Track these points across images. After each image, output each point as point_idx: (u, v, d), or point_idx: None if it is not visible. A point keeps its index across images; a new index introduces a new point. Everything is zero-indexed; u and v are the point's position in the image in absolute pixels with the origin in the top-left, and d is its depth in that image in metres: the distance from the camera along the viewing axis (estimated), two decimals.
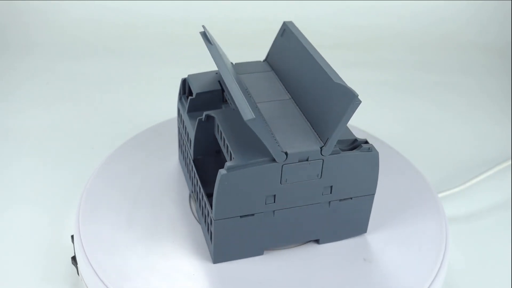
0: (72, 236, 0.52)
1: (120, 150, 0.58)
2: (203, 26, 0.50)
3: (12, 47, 0.96)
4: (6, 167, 0.69)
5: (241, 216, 0.43)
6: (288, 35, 0.50)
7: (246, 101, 0.40)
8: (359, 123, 0.65)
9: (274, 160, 0.41)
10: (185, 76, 0.53)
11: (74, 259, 0.51)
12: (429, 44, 1.06)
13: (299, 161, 0.42)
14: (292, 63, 0.49)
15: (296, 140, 0.42)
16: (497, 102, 0.90)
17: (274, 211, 0.44)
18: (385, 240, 0.49)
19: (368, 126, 0.70)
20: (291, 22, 0.51)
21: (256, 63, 0.53)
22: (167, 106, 0.78)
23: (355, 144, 0.44)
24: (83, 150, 0.72)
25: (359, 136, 0.62)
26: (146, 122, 0.68)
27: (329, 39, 1.04)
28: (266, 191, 0.43)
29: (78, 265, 0.49)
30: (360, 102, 0.40)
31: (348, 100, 0.40)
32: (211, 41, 0.48)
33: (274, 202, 0.44)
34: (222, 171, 0.41)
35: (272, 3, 1.07)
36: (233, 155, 0.42)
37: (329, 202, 0.45)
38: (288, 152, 0.41)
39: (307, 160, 0.42)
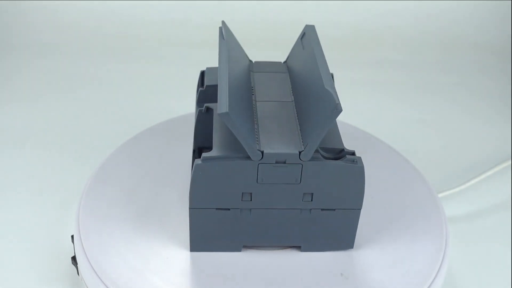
0: (72, 236, 0.52)
1: (120, 150, 0.58)
2: (222, 22, 0.50)
3: (13, 47, 0.96)
4: (6, 167, 0.69)
5: (217, 209, 0.44)
6: (305, 39, 0.50)
7: (227, 95, 0.40)
8: (359, 123, 0.65)
9: (250, 158, 0.41)
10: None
11: (74, 259, 0.51)
12: (429, 44, 1.06)
13: (276, 162, 0.41)
14: (301, 66, 0.50)
15: (279, 141, 0.42)
16: (497, 102, 0.90)
17: (251, 209, 0.44)
18: (385, 241, 0.49)
19: (368, 126, 0.70)
20: (311, 26, 0.51)
21: (275, 63, 0.54)
22: (167, 106, 0.78)
23: (341, 154, 0.43)
24: (83, 150, 0.72)
25: (359, 136, 0.62)
26: (146, 122, 0.68)
27: (329, 39, 1.04)
28: (242, 188, 0.43)
29: (78, 265, 0.49)
30: (340, 111, 0.39)
31: (330, 107, 0.39)
32: (224, 36, 0.48)
33: (251, 200, 0.44)
34: (197, 161, 0.41)
35: (272, 3, 1.07)
36: (213, 147, 0.43)
37: (310, 210, 0.44)
38: (265, 151, 0.41)
39: (284, 162, 0.41)
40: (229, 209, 0.44)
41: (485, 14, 1.10)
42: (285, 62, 0.54)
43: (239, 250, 0.47)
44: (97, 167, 0.56)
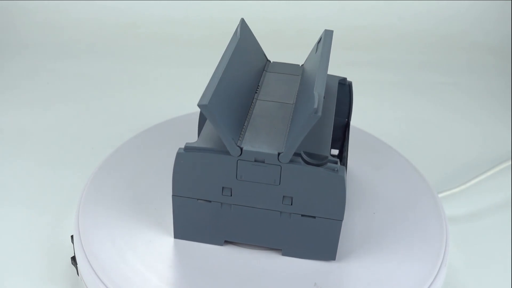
0: (72, 236, 0.52)
1: (120, 150, 0.58)
2: (242, 19, 0.51)
3: (12, 47, 0.96)
4: (6, 167, 0.69)
5: (198, 199, 0.45)
6: (320, 43, 0.50)
7: (213, 89, 0.41)
8: (359, 123, 0.65)
9: (229, 153, 0.42)
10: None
11: (74, 259, 0.51)
12: (429, 44, 1.06)
13: (255, 161, 0.42)
14: (308, 70, 0.50)
15: (263, 141, 0.42)
16: (497, 102, 0.90)
17: (231, 204, 0.44)
18: (382, 241, 0.49)
19: (368, 126, 0.70)
20: (330, 31, 0.50)
21: (292, 65, 0.54)
22: (167, 106, 0.78)
23: (324, 161, 0.42)
24: (83, 150, 0.72)
25: (359, 136, 0.62)
26: (146, 122, 0.68)
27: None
28: (222, 182, 0.43)
29: (78, 265, 0.49)
30: (318, 116, 0.39)
31: (309, 112, 0.39)
32: (238, 33, 0.49)
33: (231, 195, 0.44)
34: (180, 149, 0.43)
35: (272, 3, 1.07)
36: (198, 138, 0.44)
37: (290, 214, 0.44)
38: (244, 148, 0.41)
39: (263, 162, 0.42)
40: (210, 202, 0.45)
41: (485, 14, 1.10)
42: (302, 65, 0.54)
43: (221, 244, 0.47)
44: (97, 167, 0.56)
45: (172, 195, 0.45)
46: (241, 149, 0.41)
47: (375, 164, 0.58)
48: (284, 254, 0.47)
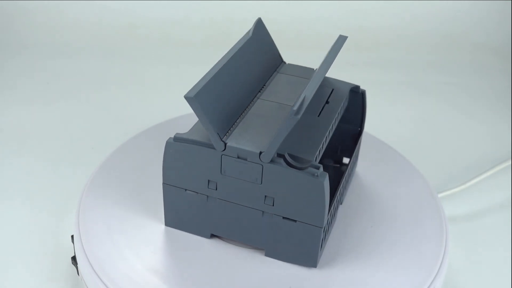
0: (72, 236, 0.52)
1: (120, 150, 0.58)
2: (259, 18, 0.51)
3: (13, 47, 0.96)
4: (6, 167, 0.69)
5: (186, 190, 0.46)
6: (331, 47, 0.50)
7: (204, 83, 0.42)
8: None
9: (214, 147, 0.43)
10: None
11: (74, 259, 0.51)
12: (429, 44, 1.06)
13: (238, 157, 0.42)
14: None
15: (250, 139, 0.43)
16: (497, 102, 0.90)
17: (217, 198, 0.45)
18: (382, 241, 0.49)
19: (368, 126, 0.70)
20: (344, 37, 0.49)
21: (306, 69, 0.54)
22: (167, 106, 0.78)
23: (306, 165, 0.42)
24: (83, 150, 0.72)
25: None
26: (146, 122, 0.68)
27: (328, 39, 1.04)
28: (208, 175, 0.44)
29: (78, 265, 0.49)
30: (297, 119, 0.39)
31: (289, 113, 0.39)
32: (251, 32, 0.49)
33: (216, 189, 0.44)
34: (170, 139, 0.44)
35: (272, 3, 1.07)
36: (189, 130, 0.45)
37: (272, 215, 0.44)
38: (228, 144, 0.42)
39: (246, 159, 0.42)
40: (197, 193, 0.45)
41: (486, 14, 1.10)
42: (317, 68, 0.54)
43: (207, 237, 0.48)
44: (97, 167, 0.56)
45: (163, 183, 0.46)
46: (225, 144, 0.42)
47: (375, 164, 0.58)
48: (266, 255, 0.47)
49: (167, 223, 0.49)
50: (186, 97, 0.41)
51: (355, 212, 0.52)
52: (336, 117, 0.48)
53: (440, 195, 0.62)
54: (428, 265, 0.47)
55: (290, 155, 0.42)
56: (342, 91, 0.51)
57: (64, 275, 0.55)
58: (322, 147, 0.45)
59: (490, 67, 1.00)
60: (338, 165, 0.57)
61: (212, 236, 0.48)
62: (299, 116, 0.39)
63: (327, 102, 0.49)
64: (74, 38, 1.00)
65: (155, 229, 0.49)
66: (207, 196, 0.45)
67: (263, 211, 0.44)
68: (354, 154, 0.53)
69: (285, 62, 0.54)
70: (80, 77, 0.89)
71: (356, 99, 0.53)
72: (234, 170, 0.43)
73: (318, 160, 0.44)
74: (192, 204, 0.46)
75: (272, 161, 0.41)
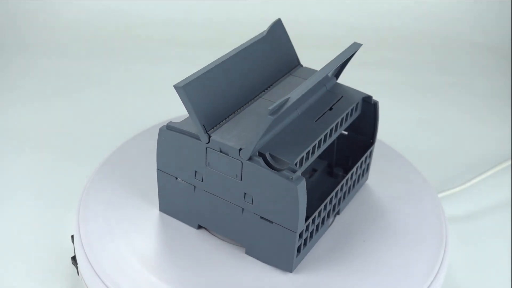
0: (72, 236, 0.52)
1: (120, 150, 0.58)
2: (278, 19, 0.51)
3: (13, 47, 0.96)
4: (6, 167, 0.69)
5: (176, 178, 0.47)
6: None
7: (198, 75, 0.43)
8: None
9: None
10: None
11: (74, 259, 0.51)
12: (429, 44, 1.06)
13: (220, 151, 0.43)
14: None
15: (236, 135, 0.43)
16: (497, 103, 0.90)
17: (203, 190, 0.46)
18: (382, 240, 0.49)
19: None
20: (358, 44, 0.48)
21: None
22: (167, 107, 0.78)
23: (284, 167, 0.42)
24: (83, 150, 0.73)
25: None
26: (147, 122, 0.68)
27: (328, 39, 1.04)
28: (194, 166, 0.45)
29: (78, 265, 0.49)
30: (270, 119, 0.39)
31: (265, 113, 0.39)
32: (266, 32, 0.49)
33: (202, 181, 0.45)
34: (163, 127, 0.45)
35: (272, 3, 1.07)
36: (184, 120, 0.46)
37: (251, 213, 0.44)
38: (212, 137, 0.43)
39: (227, 154, 0.42)
40: (186, 183, 0.46)
41: (486, 14, 1.10)
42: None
43: (195, 227, 0.49)
44: (97, 167, 0.56)
45: (157, 169, 0.48)
46: (209, 137, 0.43)
47: (375, 164, 0.58)
48: (247, 253, 0.47)
49: (161, 209, 0.50)
50: (175, 86, 0.42)
51: (355, 212, 0.52)
52: (337, 125, 0.47)
53: (440, 195, 0.62)
54: (428, 265, 0.47)
55: (271, 156, 0.42)
56: (351, 100, 0.49)
57: (64, 275, 0.55)
58: (312, 153, 0.44)
59: (490, 67, 1.00)
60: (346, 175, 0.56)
61: (200, 227, 0.49)
62: (273, 117, 0.39)
63: (330, 108, 0.48)
64: (74, 38, 1.00)
65: (155, 229, 0.49)
66: (194, 186, 0.46)
67: (243, 208, 0.44)
68: (359, 165, 0.52)
69: (302, 65, 0.53)
70: (80, 77, 0.89)
71: (369, 109, 0.51)
72: (217, 163, 0.43)
73: (304, 164, 0.43)
74: (181, 193, 0.48)
75: (251, 158, 0.42)
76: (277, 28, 0.51)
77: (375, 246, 0.48)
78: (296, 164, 0.42)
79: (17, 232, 0.60)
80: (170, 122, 0.45)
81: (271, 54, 0.50)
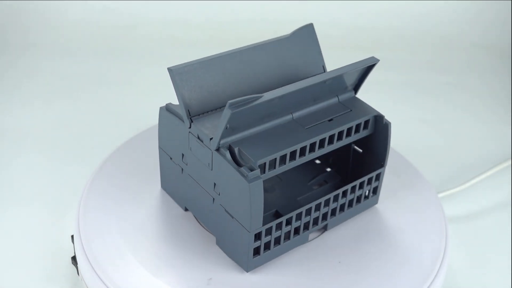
0: (72, 236, 0.52)
1: (120, 150, 0.58)
2: (311, 24, 0.51)
3: (13, 47, 0.96)
4: (6, 167, 0.69)
5: (171, 158, 0.49)
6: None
7: (193, 63, 0.45)
8: None
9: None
10: None
11: (74, 259, 0.51)
12: (428, 44, 1.06)
13: (198, 138, 0.43)
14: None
15: (217, 124, 0.43)
16: (497, 102, 0.90)
17: (187, 174, 0.47)
18: (382, 240, 0.49)
19: None
20: (374, 59, 0.47)
21: None
22: None
23: (246, 164, 0.41)
24: (83, 150, 0.73)
25: None
26: (147, 122, 0.68)
27: (328, 39, 1.04)
28: (181, 148, 0.46)
29: (78, 265, 0.49)
30: (229, 112, 0.39)
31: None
32: (291, 34, 0.50)
33: (187, 165, 0.47)
34: (162, 107, 0.47)
35: (272, 3, 1.07)
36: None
37: (219, 204, 0.44)
38: (193, 123, 0.44)
39: (202, 141, 0.43)
40: (176, 164, 0.48)
41: (485, 14, 1.10)
42: None
43: (184, 210, 0.50)
44: (97, 167, 0.56)
45: (158, 147, 0.50)
46: (191, 122, 0.44)
47: None
48: (216, 243, 0.47)
49: (162, 186, 0.52)
50: (168, 69, 0.43)
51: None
52: (331, 137, 0.45)
53: (440, 195, 0.62)
54: (428, 265, 0.47)
55: (239, 151, 0.42)
56: (359, 115, 0.47)
57: (64, 275, 0.55)
58: (292, 158, 0.43)
59: (490, 67, 1.00)
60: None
61: (186, 210, 0.50)
62: (232, 110, 0.39)
63: (330, 119, 0.46)
64: (74, 38, 1.00)
65: (155, 229, 0.49)
66: (182, 168, 0.48)
67: (213, 198, 0.45)
68: (358, 185, 0.49)
69: (325, 70, 0.52)
70: (80, 77, 0.89)
71: (383, 130, 0.48)
72: (196, 150, 0.44)
73: (278, 168, 0.43)
74: (173, 173, 0.49)
75: (219, 149, 0.42)
76: (307, 32, 0.50)
77: (370, 246, 0.48)
78: (263, 165, 0.41)
79: (17, 232, 0.60)
80: (169, 103, 0.47)
81: (291, 56, 0.49)
